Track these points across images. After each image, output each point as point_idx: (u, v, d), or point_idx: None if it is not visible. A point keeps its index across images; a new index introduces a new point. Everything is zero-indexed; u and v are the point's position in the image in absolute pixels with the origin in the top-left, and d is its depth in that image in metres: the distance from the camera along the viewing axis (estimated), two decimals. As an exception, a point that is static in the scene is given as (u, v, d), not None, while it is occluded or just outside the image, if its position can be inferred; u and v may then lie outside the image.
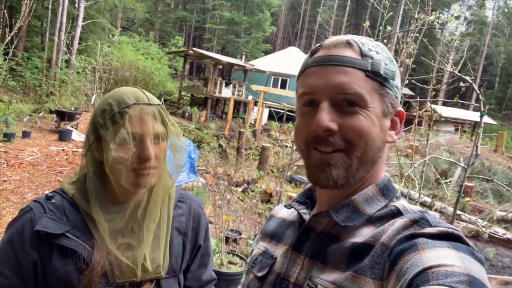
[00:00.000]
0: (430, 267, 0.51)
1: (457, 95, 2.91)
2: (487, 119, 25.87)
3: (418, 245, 0.56)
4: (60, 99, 13.15)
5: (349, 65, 0.65)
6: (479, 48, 31.44)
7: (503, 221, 8.63)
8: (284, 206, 0.84)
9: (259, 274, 0.77)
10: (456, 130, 22.69)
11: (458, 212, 8.60)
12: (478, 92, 2.14)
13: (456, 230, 0.58)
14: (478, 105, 2.28)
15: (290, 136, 15.62)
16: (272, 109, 18.54)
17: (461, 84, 2.72)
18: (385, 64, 0.67)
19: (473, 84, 2.24)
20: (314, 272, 0.67)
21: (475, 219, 7.78)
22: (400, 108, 0.70)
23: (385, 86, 0.67)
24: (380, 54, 0.68)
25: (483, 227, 5.57)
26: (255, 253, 0.83)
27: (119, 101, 0.91)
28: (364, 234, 0.65)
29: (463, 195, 2.16)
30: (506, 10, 42.82)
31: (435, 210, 7.42)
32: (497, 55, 37.45)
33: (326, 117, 0.64)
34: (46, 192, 1.08)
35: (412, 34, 2.66)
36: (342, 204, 0.69)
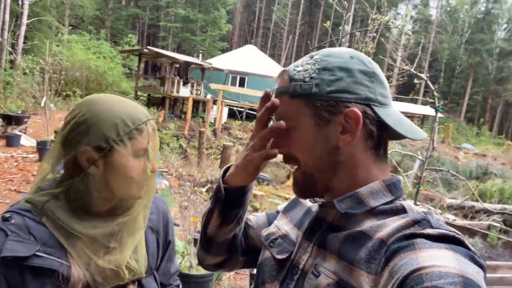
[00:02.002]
0: (424, 267, 0.51)
1: (412, 92, 3.06)
2: (434, 112, 27.40)
3: (415, 244, 0.56)
4: (5, 102, 12.33)
5: (280, 95, 0.74)
6: (425, 45, 33.26)
7: (452, 208, 9.22)
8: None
9: (279, 257, 0.80)
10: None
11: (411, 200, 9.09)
12: (433, 88, 2.27)
13: (457, 234, 0.58)
14: (430, 100, 2.41)
15: (250, 134, 15.66)
16: (231, 107, 18.51)
17: (416, 81, 2.87)
18: (310, 78, 0.70)
19: (428, 81, 2.37)
20: (319, 260, 0.70)
21: (428, 208, 8.26)
22: (350, 108, 0.68)
23: (311, 99, 0.69)
24: (309, 69, 0.71)
25: (437, 214, 5.93)
26: (274, 232, 0.86)
27: (132, 116, 0.91)
28: (364, 224, 0.67)
29: (421, 185, 2.29)
30: (449, 9, 45.65)
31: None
32: (441, 51, 39.84)
33: (274, 145, 0.75)
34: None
35: (370, 34, 2.77)
36: (346, 195, 0.71)
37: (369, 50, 2.72)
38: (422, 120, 27.18)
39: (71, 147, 0.89)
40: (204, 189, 6.76)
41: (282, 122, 0.71)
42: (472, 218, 8.78)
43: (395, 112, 0.72)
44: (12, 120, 9.57)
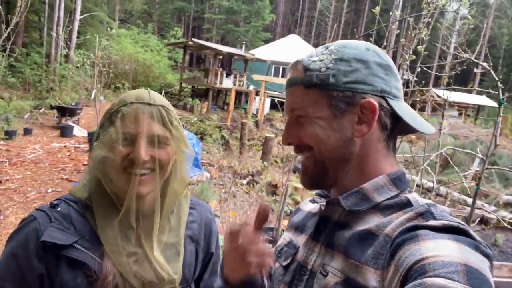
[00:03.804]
0: (427, 257, 0.51)
1: (471, 83, 2.79)
2: (491, 103, 25.65)
3: (419, 236, 0.56)
4: (60, 94, 13.08)
5: (293, 85, 0.74)
6: (481, 31, 31.08)
7: (510, 205, 8.56)
8: (309, 200, 0.90)
9: (284, 263, 0.82)
10: (460, 114, 22.50)
11: (464, 197, 8.54)
12: (497, 78, 2.03)
13: (462, 224, 0.58)
14: (493, 92, 2.17)
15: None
16: (274, 98, 18.39)
17: (475, 70, 2.60)
18: (326, 68, 0.70)
19: (491, 70, 2.13)
20: (327, 259, 0.70)
21: (482, 204, 7.71)
22: (367, 99, 0.69)
23: (328, 89, 0.69)
24: (325, 60, 0.71)
25: (489, 212, 5.49)
26: (281, 243, 0.88)
27: (120, 99, 0.88)
28: (370, 221, 0.68)
29: (480, 188, 2.08)
30: (509, -9, 42.13)
31: (443, 196, 7.34)
32: (500, 37, 36.98)
33: (284, 134, 0.76)
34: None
35: (424, 19, 2.54)
36: (351, 192, 0.72)
37: (423, 36, 2.49)
38: (477, 110, 25.48)
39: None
40: (245, 181, 6.74)
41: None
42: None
43: (406, 106, 0.74)
44: (66, 111, 10.10)
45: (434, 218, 0.60)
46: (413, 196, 0.69)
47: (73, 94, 13.49)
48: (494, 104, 25.50)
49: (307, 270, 0.74)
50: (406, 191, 0.71)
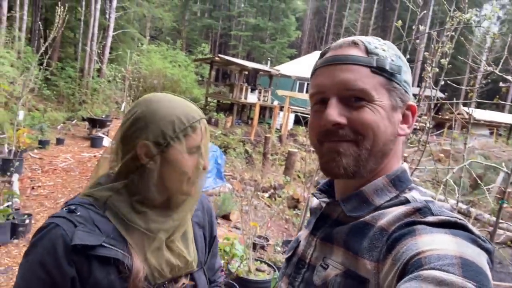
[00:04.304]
0: (423, 251, 0.51)
1: (497, 96, 2.75)
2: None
3: (415, 231, 0.57)
4: (92, 107, 13.58)
5: (354, 63, 0.69)
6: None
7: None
8: (312, 195, 0.90)
9: (286, 256, 0.85)
10: (491, 133, 21.76)
11: (494, 219, 8.19)
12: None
13: (460, 219, 0.58)
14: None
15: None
16: (298, 114, 18.41)
17: (501, 84, 2.57)
18: (392, 60, 0.70)
19: (516, 83, 2.10)
20: (327, 253, 0.71)
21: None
22: (412, 103, 0.73)
23: (392, 81, 0.69)
24: (387, 51, 0.71)
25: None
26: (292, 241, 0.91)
27: (187, 115, 0.95)
28: (367, 216, 0.68)
29: (506, 202, 2.03)
30: (543, 8, 40.88)
31: (473, 218, 7.08)
32: (534, 54, 35.74)
33: (334, 112, 0.68)
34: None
35: (447, 33, 2.54)
36: (351, 195, 0.72)
37: (446, 50, 2.49)
38: (509, 130, 24.57)
39: (130, 142, 0.93)
40: (266, 195, 6.76)
41: None
42: None
43: None
44: (97, 123, 10.47)
45: (432, 214, 0.61)
46: (412, 196, 0.69)
47: (103, 107, 13.98)
48: (527, 123, 24.50)
49: (305, 264, 0.76)
50: (407, 190, 0.71)
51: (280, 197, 6.71)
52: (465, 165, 2.20)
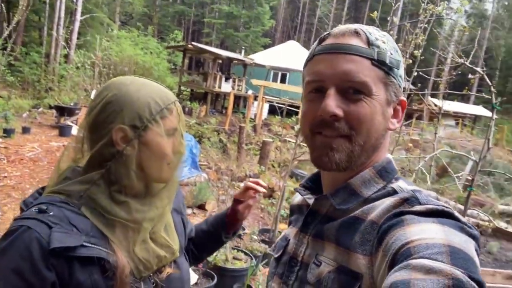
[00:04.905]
0: (412, 241, 0.52)
1: (466, 88, 2.86)
2: (487, 113, 25.81)
3: (404, 221, 0.57)
4: (59, 94, 13.08)
5: (356, 54, 0.67)
6: (480, 42, 31.32)
7: (505, 215, 8.62)
8: (295, 190, 0.89)
9: (276, 255, 0.84)
10: (457, 123, 22.64)
11: (460, 206, 8.59)
12: (490, 83, 2.09)
13: (446, 207, 0.59)
14: (486, 96, 2.22)
15: (291, 130, 15.57)
16: (272, 103, 18.46)
17: (470, 76, 2.66)
18: (391, 53, 0.69)
19: (484, 75, 2.19)
20: (319, 250, 0.71)
21: (477, 213, 7.77)
22: (403, 97, 0.73)
23: (390, 75, 0.69)
24: (387, 43, 0.70)
25: (488, 221, 5.54)
26: (277, 240, 0.89)
27: (162, 97, 0.92)
28: (356, 210, 0.69)
29: (473, 189, 2.12)
30: (506, 3, 42.61)
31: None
32: (497, 48, 37.31)
33: (332, 103, 0.66)
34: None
35: (421, 25, 2.60)
36: (339, 188, 0.72)
37: (420, 42, 2.56)
38: (474, 120, 25.66)
39: (103, 128, 0.87)
40: (242, 184, 6.76)
41: None
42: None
43: None
44: (65, 111, 10.11)
45: (419, 203, 0.61)
46: (398, 185, 0.69)
47: (71, 94, 13.48)
48: (490, 114, 25.63)
49: (298, 262, 0.75)
50: (393, 180, 0.72)
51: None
52: (436, 154, 2.28)
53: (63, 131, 9.18)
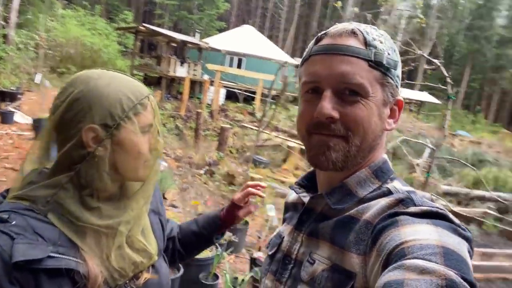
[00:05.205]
0: (406, 242, 0.52)
1: (424, 78, 2.98)
2: (431, 99, 27.42)
3: (398, 221, 0.58)
4: (-2, 77, 12.05)
5: (353, 55, 0.67)
6: (426, 31, 32.92)
7: (448, 195, 9.29)
8: (290, 188, 0.90)
9: (270, 253, 0.84)
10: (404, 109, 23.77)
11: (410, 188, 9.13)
12: (447, 75, 2.20)
13: (440, 209, 0.60)
14: (442, 87, 2.33)
15: (249, 116, 15.59)
16: (229, 89, 18.31)
17: (426, 66, 2.79)
18: (388, 54, 0.69)
19: (442, 67, 2.30)
20: (313, 248, 0.72)
21: (423, 194, 8.32)
22: (400, 97, 0.73)
23: (387, 75, 0.69)
24: (384, 43, 0.69)
25: (444, 206, 5.96)
26: (271, 237, 0.90)
27: (135, 91, 0.86)
28: (351, 209, 0.69)
29: (430, 174, 2.25)
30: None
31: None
32: (440, 37, 39.49)
33: (328, 106, 0.67)
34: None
35: (382, 16, 2.67)
36: (335, 187, 0.73)
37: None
38: (419, 106, 27.15)
39: (71, 128, 0.81)
40: (202, 171, 6.71)
41: None
42: (467, 205, 8.86)
43: None
44: (6, 96, 9.37)
45: (414, 205, 0.62)
46: (393, 186, 0.70)
47: (13, 78, 12.49)
48: (435, 100, 27.31)
49: (292, 259, 0.76)
50: (388, 180, 0.72)
51: (214, 173, 6.71)
52: (398, 141, 2.38)
53: (5, 117, 8.50)
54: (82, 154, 0.81)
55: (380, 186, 0.71)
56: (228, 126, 10.02)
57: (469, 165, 2.42)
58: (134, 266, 0.88)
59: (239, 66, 21.53)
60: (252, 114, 15.75)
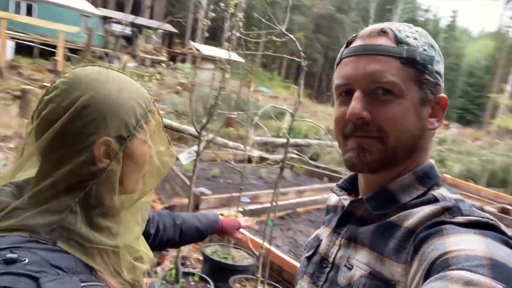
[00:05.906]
0: (451, 251, 0.50)
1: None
2: (236, 58, 29.64)
3: (443, 230, 0.56)
4: None
5: (383, 53, 0.66)
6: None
7: (258, 144, 10.60)
8: (332, 191, 0.87)
9: (307, 254, 0.83)
10: (215, 67, 25.05)
11: (226, 141, 9.95)
12: (300, 49, 2.45)
13: (491, 219, 0.57)
14: (297, 59, 2.54)
15: (49, 74, 13.42)
16: (18, 41, 15.18)
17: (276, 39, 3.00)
18: (423, 50, 0.67)
19: (296, 41, 2.54)
20: (351, 253, 0.70)
21: (238, 145, 9.22)
22: (443, 95, 0.70)
23: (424, 72, 0.66)
24: (419, 40, 0.68)
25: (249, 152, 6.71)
26: (309, 239, 0.89)
27: (143, 97, 0.77)
28: (393, 215, 0.67)
29: (291, 135, 2.56)
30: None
31: (209, 141, 8.29)
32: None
33: (358, 106, 0.66)
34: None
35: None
36: (377, 192, 0.71)
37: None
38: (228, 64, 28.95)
39: (80, 141, 0.68)
40: (11, 145, 5.58)
41: None
42: (273, 152, 10.37)
43: None
44: None
45: (462, 214, 0.59)
46: (440, 193, 0.67)
47: None
48: (240, 59, 29.65)
49: (329, 263, 0.74)
50: (435, 187, 0.69)
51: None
52: (266, 109, 2.57)
53: None
54: (92, 171, 0.69)
55: (425, 192, 0.68)
56: (31, 87, 8.48)
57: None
58: (143, 275, 0.84)
59: (29, 13, 17.99)
60: (52, 71, 13.61)
